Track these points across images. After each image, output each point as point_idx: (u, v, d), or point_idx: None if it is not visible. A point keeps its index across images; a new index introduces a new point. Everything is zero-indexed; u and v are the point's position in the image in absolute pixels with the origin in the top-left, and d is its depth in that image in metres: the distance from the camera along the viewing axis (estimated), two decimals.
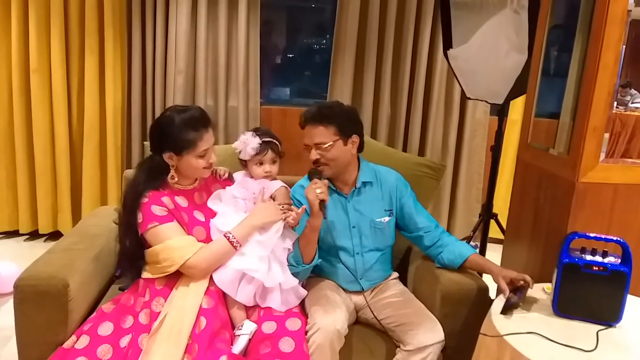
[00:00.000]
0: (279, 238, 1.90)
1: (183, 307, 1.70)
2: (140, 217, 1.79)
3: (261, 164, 2.02)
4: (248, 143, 1.99)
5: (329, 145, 1.93)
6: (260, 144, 1.99)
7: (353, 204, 2.03)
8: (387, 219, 2.04)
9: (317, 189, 1.80)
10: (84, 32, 3.48)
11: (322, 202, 1.80)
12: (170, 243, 1.77)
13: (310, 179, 1.89)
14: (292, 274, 1.90)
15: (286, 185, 2.05)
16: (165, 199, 1.83)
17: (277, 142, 2.04)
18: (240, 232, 1.83)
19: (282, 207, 1.93)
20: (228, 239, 1.80)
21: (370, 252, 2.04)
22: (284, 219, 1.90)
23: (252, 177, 2.05)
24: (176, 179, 1.87)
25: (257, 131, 2.05)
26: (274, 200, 2.00)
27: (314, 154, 1.94)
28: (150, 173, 1.86)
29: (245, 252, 1.84)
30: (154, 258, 1.80)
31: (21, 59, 3.46)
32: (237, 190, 2.01)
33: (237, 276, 1.81)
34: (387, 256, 2.13)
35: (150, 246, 1.81)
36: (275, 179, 2.07)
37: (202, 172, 1.88)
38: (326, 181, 1.88)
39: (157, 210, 1.79)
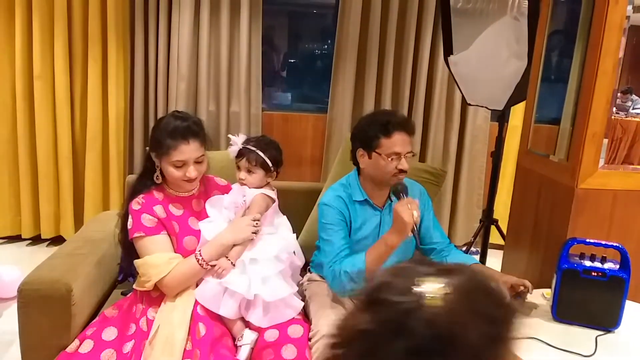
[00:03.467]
0: (265, 247, 1.86)
1: (172, 321, 1.70)
2: (130, 223, 1.80)
3: (239, 169, 1.98)
4: (233, 144, 1.97)
5: (413, 156, 1.86)
6: (240, 149, 1.96)
7: (385, 217, 1.97)
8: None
9: (415, 212, 1.68)
10: (87, 39, 3.50)
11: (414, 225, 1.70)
12: (149, 259, 1.76)
13: (396, 195, 1.78)
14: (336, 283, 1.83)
15: (265, 192, 1.95)
16: (158, 208, 1.82)
17: (260, 154, 1.93)
18: (209, 252, 1.79)
19: (255, 223, 1.86)
20: (197, 261, 1.77)
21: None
22: (254, 237, 1.85)
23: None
24: (160, 180, 1.86)
25: (252, 138, 2.00)
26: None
27: (405, 163, 1.84)
28: (143, 171, 1.89)
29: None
30: (137, 270, 1.81)
31: (25, 65, 3.48)
32: (226, 198, 1.98)
33: (219, 290, 1.78)
34: None
35: (138, 254, 1.81)
36: (268, 186, 2.00)
37: (180, 182, 1.82)
38: (417, 200, 1.75)
39: (146, 219, 1.79)
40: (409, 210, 1.68)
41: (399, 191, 1.79)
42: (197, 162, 1.80)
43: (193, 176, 1.79)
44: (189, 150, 1.76)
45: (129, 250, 1.86)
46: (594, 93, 1.78)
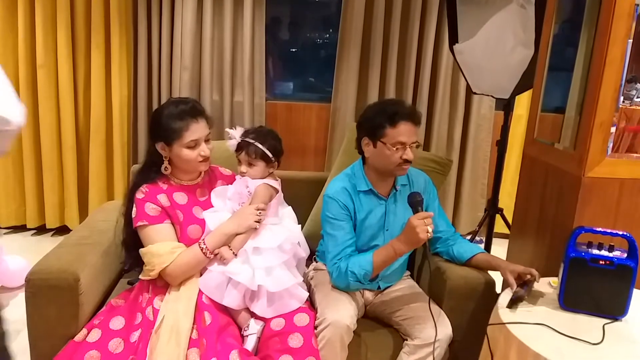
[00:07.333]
0: (268, 237, 1.86)
1: (177, 311, 1.70)
2: (134, 212, 1.81)
3: (240, 162, 1.96)
4: (232, 138, 1.94)
5: (418, 146, 1.86)
6: (238, 142, 1.93)
7: (390, 206, 1.98)
8: None
9: (429, 227, 1.69)
10: (90, 27, 3.49)
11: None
12: (153, 248, 1.76)
13: (413, 206, 1.76)
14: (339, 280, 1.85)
15: (267, 183, 1.93)
16: (162, 197, 1.82)
17: (259, 146, 1.90)
18: (212, 241, 1.79)
19: (259, 212, 1.85)
20: (202, 250, 1.78)
21: None
22: (257, 226, 1.84)
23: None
24: (170, 171, 1.86)
25: (250, 130, 1.96)
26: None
27: (410, 153, 1.84)
28: (146, 164, 1.89)
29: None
30: (141, 259, 1.81)
31: (28, 54, 3.48)
32: (230, 189, 1.96)
33: (223, 280, 1.78)
34: (407, 258, 2.11)
35: (142, 242, 1.81)
36: (272, 176, 1.97)
37: (195, 164, 1.84)
38: (432, 213, 1.76)
39: (149, 208, 1.79)
40: (425, 226, 1.68)
41: (416, 204, 1.76)
42: (206, 140, 1.84)
43: (208, 153, 1.84)
44: (199, 128, 1.80)
45: (133, 247, 1.86)
46: (601, 82, 1.77)
